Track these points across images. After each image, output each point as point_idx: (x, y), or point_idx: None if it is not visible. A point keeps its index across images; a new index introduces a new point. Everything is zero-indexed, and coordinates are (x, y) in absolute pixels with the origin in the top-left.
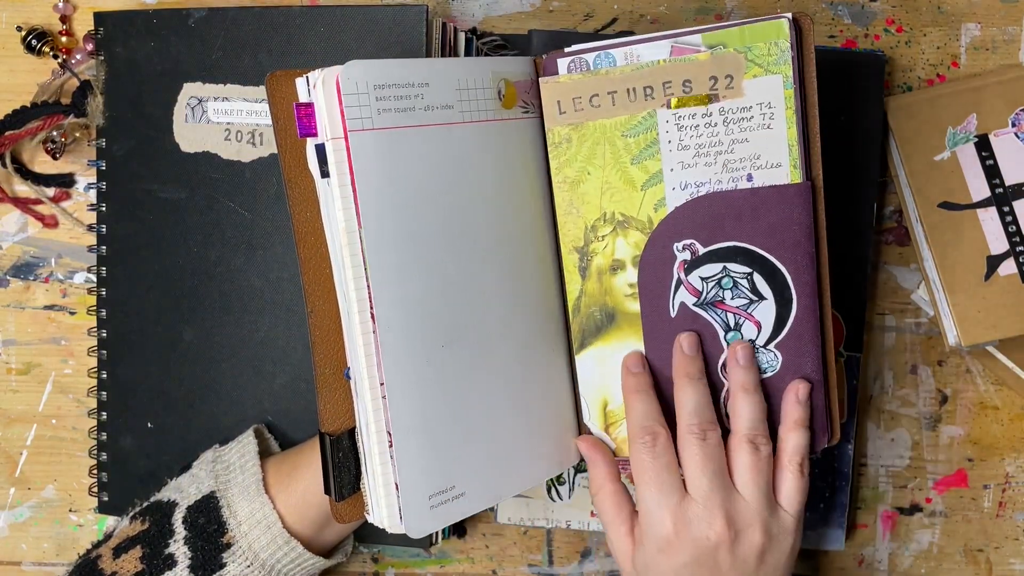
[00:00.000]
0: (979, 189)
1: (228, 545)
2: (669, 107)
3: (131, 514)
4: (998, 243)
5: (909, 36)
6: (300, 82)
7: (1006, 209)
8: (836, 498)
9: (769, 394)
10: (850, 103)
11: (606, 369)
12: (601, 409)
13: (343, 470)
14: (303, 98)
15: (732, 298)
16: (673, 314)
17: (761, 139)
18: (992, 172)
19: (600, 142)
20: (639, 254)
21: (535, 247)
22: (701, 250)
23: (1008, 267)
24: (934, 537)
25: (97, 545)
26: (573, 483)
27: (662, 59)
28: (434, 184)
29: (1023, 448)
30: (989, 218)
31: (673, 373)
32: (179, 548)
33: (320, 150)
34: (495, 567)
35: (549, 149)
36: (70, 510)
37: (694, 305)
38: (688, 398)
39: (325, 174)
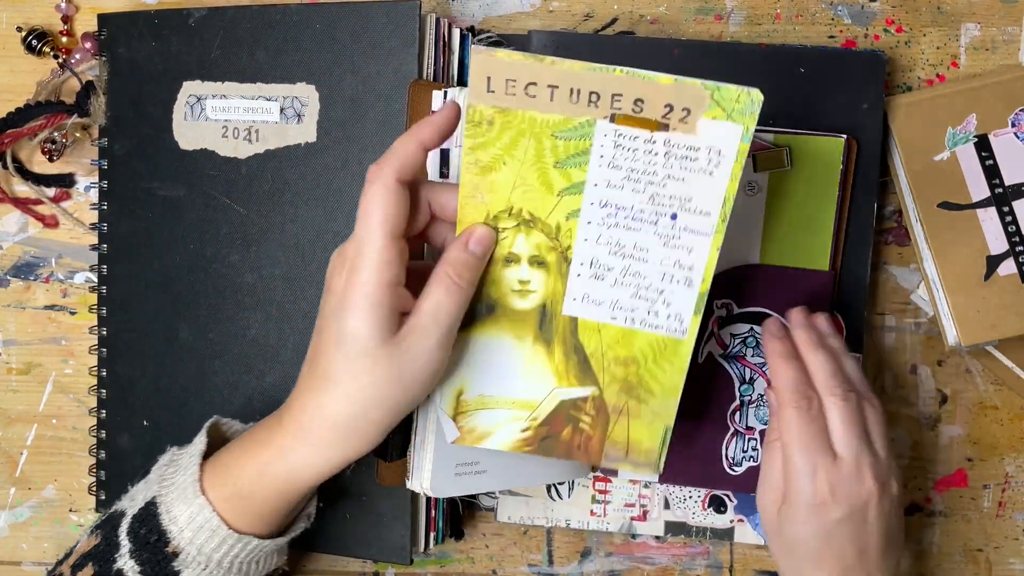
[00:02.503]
0: (979, 189)
1: (175, 554)
2: (612, 121)
3: (91, 527)
4: (998, 243)
5: (909, 36)
6: (437, 94)
7: (1006, 209)
8: None
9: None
10: (850, 103)
11: (470, 358)
12: (455, 397)
13: (396, 434)
14: (437, 108)
15: (752, 355)
16: (700, 360)
17: (698, 183)
18: (992, 172)
19: (525, 135)
20: (537, 255)
21: None
22: (735, 310)
23: (1008, 267)
24: (934, 537)
25: (60, 561)
26: (572, 482)
27: (619, 69)
28: None
29: (1023, 448)
30: (989, 218)
31: (782, 352)
32: (126, 562)
33: (444, 153)
34: (495, 567)
35: (465, 127)
36: (70, 510)
37: (719, 356)
38: (821, 365)
39: (444, 175)
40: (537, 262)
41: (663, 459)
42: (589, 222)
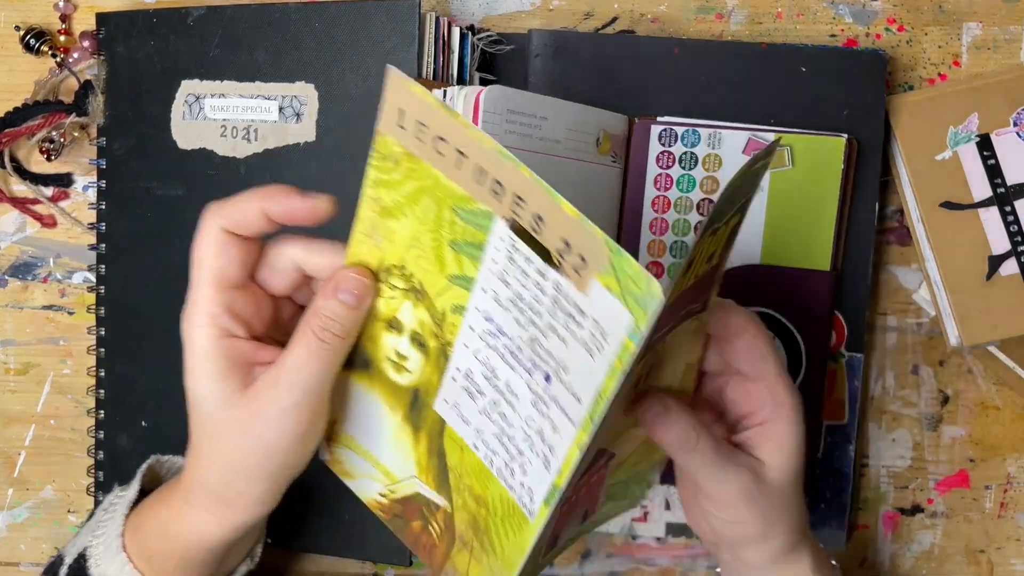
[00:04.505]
0: (981, 189)
1: None
2: (511, 228)
3: (47, 564)
4: (1000, 243)
5: (910, 35)
6: (437, 93)
7: (1008, 209)
8: (837, 499)
9: None
10: (851, 102)
11: (346, 399)
12: (329, 420)
13: None
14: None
15: None
16: None
17: (578, 357)
18: (994, 172)
19: (428, 193)
20: (420, 334)
21: None
22: None
23: (1010, 267)
24: (935, 538)
25: None
26: None
27: (526, 170)
28: None
29: None
30: (991, 218)
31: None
32: None
33: None
34: None
35: (373, 156)
36: (69, 511)
37: None
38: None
39: None
40: (418, 343)
41: None
42: (471, 328)
